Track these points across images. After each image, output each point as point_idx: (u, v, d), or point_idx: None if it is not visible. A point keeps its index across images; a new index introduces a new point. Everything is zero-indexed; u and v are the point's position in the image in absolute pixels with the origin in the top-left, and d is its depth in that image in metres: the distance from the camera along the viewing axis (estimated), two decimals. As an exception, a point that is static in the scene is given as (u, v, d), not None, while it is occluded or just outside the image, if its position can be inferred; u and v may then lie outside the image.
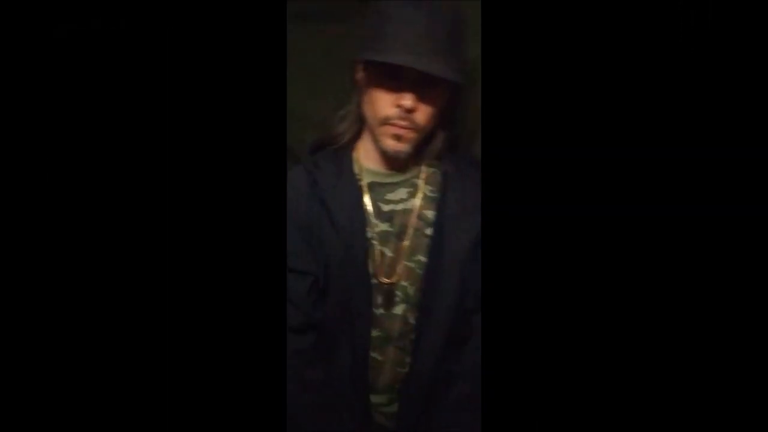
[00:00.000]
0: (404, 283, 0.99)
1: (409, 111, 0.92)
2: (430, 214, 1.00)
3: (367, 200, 1.00)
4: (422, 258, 0.98)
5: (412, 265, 0.99)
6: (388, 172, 1.01)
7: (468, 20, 0.94)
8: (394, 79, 0.92)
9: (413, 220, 1.00)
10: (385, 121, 0.94)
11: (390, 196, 1.01)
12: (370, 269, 0.98)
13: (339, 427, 0.99)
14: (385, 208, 1.00)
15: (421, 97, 0.93)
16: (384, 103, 0.93)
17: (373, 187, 1.01)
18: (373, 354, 0.99)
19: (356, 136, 1.03)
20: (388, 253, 0.98)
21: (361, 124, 1.01)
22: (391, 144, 0.95)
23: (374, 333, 0.99)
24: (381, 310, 0.99)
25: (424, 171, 1.02)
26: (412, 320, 0.99)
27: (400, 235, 0.99)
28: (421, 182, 1.01)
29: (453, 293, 0.97)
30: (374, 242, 0.99)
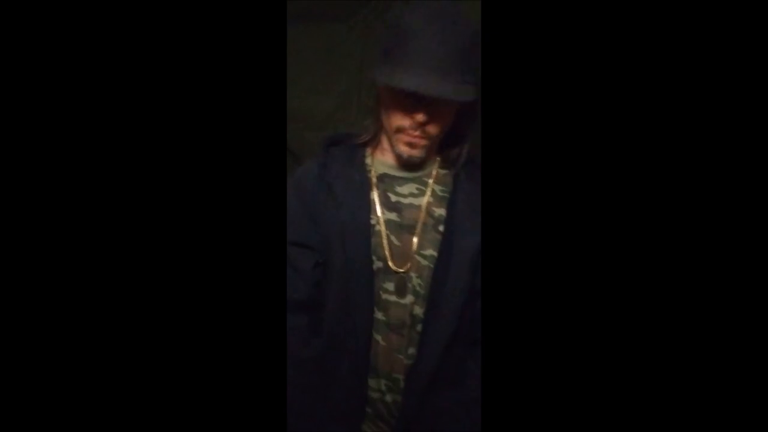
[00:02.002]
0: (414, 275, 1.02)
1: (422, 124, 0.99)
2: (439, 211, 1.05)
3: (374, 189, 1.05)
4: (433, 252, 1.03)
5: (421, 259, 1.02)
6: (400, 168, 1.07)
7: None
8: (408, 97, 0.97)
9: (422, 215, 1.04)
10: (399, 130, 1.01)
11: (399, 189, 1.06)
12: (374, 254, 1.02)
13: (335, 409, 1.03)
14: (393, 198, 1.05)
15: (434, 112, 0.99)
16: (399, 116, 1.00)
17: (382, 179, 1.07)
18: (376, 336, 1.02)
19: (373, 138, 1.09)
20: (395, 242, 1.03)
21: (378, 129, 1.08)
22: (405, 150, 1.02)
23: (379, 316, 1.02)
24: (391, 297, 1.02)
25: (436, 171, 1.07)
26: (419, 312, 1.02)
27: (409, 228, 1.04)
28: (431, 181, 1.07)
29: (462, 292, 1.01)
30: (378, 228, 1.03)
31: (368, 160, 1.08)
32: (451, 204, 1.05)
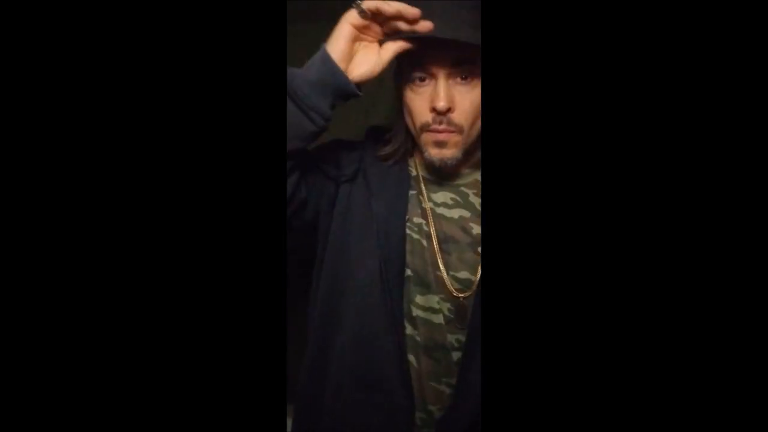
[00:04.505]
0: (439, 297, 0.95)
1: (445, 113, 0.89)
2: (476, 229, 0.95)
3: (411, 192, 0.98)
4: (469, 276, 0.95)
5: (453, 282, 0.95)
6: (436, 175, 0.99)
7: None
8: (426, 76, 0.89)
9: (456, 231, 0.96)
10: (424, 129, 0.92)
11: (433, 196, 0.98)
12: (408, 260, 0.95)
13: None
14: (425, 205, 0.97)
15: (456, 95, 0.89)
16: (420, 110, 0.91)
17: (419, 181, 0.99)
18: (410, 356, 0.95)
19: (408, 152, 1.02)
20: (425, 255, 0.95)
21: (409, 139, 0.99)
22: (435, 153, 0.92)
23: (410, 332, 0.95)
24: (421, 313, 0.95)
25: (477, 179, 0.98)
26: (452, 340, 0.95)
27: (441, 241, 0.96)
28: (468, 191, 0.98)
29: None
30: (412, 233, 0.96)
31: (410, 162, 1.00)
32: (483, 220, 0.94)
